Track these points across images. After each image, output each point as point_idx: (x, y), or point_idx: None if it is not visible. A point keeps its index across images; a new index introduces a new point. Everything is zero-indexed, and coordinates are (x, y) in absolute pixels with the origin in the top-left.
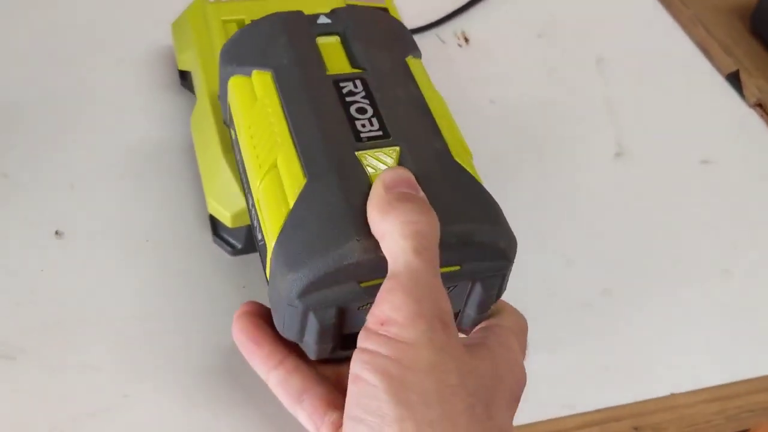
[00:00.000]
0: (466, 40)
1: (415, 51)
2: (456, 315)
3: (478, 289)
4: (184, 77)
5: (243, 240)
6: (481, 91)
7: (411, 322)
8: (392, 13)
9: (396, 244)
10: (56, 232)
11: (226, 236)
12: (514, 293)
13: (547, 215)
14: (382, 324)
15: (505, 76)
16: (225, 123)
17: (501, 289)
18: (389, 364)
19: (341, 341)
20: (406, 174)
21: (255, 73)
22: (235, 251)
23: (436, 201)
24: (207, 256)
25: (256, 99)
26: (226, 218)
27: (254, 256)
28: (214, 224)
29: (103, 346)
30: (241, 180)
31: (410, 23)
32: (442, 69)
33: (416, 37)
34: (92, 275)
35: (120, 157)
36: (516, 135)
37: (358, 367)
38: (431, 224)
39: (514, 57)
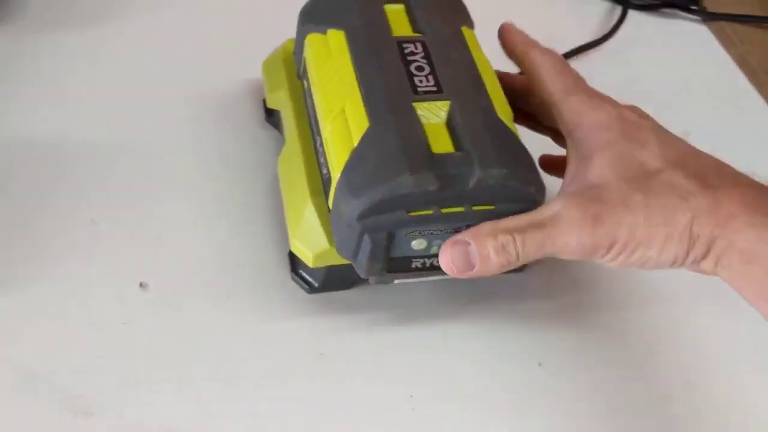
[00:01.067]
0: None
1: (469, 22)
2: None
3: None
4: (271, 114)
5: (321, 279)
6: None
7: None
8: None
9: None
10: (140, 284)
11: (304, 274)
12: None
13: None
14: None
15: None
16: (298, 76)
17: None
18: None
19: (388, 264)
20: None
21: (330, 31)
22: (312, 290)
23: (478, 148)
24: (285, 293)
25: (329, 54)
26: (308, 258)
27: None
28: (293, 262)
29: (186, 405)
30: (310, 123)
31: None
32: None
33: None
34: (175, 330)
35: (205, 199)
36: None
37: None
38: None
39: None
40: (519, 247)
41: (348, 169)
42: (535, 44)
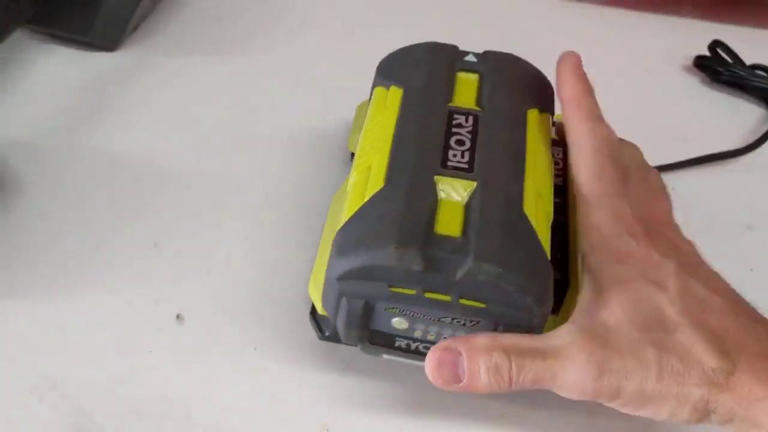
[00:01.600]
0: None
1: (545, 105)
2: None
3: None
4: (353, 157)
5: (331, 328)
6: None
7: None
8: None
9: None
10: (178, 316)
11: (318, 319)
12: None
13: None
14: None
15: None
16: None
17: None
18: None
19: (370, 335)
20: None
21: (392, 88)
22: (323, 336)
23: (482, 237)
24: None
25: (384, 109)
26: (317, 304)
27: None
28: (314, 304)
29: None
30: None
31: None
32: None
33: None
34: (195, 371)
35: (266, 238)
36: None
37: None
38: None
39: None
40: (514, 372)
41: (346, 226)
42: (588, 109)
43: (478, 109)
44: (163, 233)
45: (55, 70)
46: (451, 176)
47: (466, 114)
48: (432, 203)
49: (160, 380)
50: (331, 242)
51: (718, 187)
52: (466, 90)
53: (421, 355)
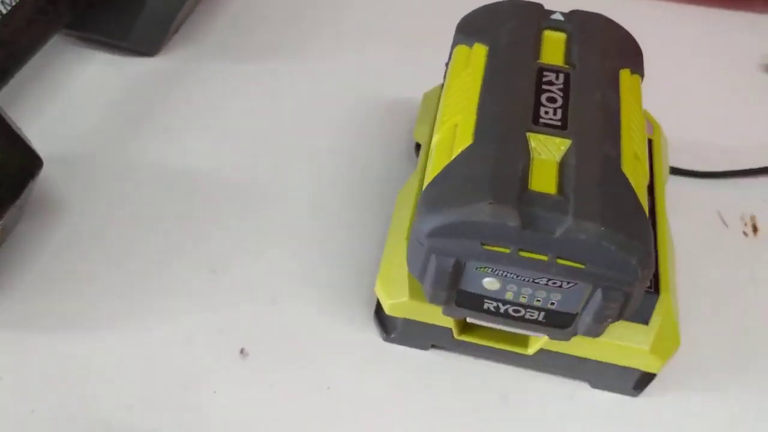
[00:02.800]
0: (755, 229)
1: (636, 67)
2: (572, 316)
3: (598, 296)
4: (419, 148)
5: (398, 329)
6: (762, 302)
7: None
8: (658, 143)
9: None
10: (241, 351)
11: (384, 319)
12: None
13: None
14: None
15: None
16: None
17: (624, 307)
18: None
19: (457, 296)
20: None
21: (476, 45)
22: (388, 337)
23: (582, 195)
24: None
25: (467, 67)
26: (385, 304)
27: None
28: (378, 305)
29: None
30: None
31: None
32: (716, 258)
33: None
34: (268, 406)
35: (326, 250)
36: None
37: None
38: None
39: None
40: None
41: (434, 183)
42: None
43: (568, 67)
44: (219, 256)
45: (96, 77)
46: (544, 133)
47: (557, 71)
48: (525, 160)
49: (225, 425)
50: (398, 239)
51: None
52: (553, 48)
53: (510, 318)
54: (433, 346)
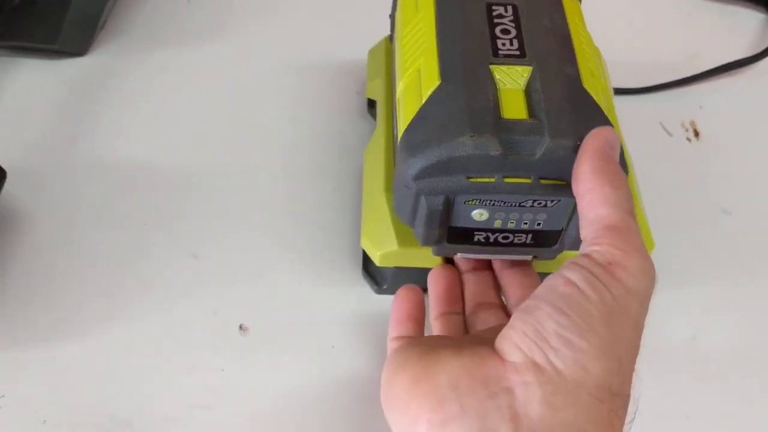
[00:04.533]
0: (696, 133)
1: None
2: (558, 233)
3: None
4: (372, 105)
5: (389, 280)
6: (713, 198)
7: (640, 275)
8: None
9: (609, 200)
10: (240, 327)
11: (373, 273)
12: None
13: None
14: (609, 264)
15: (743, 180)
16: (390, 39)
17: None
18: (608, 296)
19: (448, 233)
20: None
21: None
22: (380, 290)
23: (553, 116)
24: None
25: (417, 12)
26: (375, 256)
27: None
28: (365, 259)
29: None
30: (393, 86)
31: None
32: (666, 166)
33: (632, 112)
34: (275, 382)
35: (302, 219)
36: (757, 253)
37: (576, 276)
38: (631, 195)
39: (757, 156)
40: None
41: (411, 127)
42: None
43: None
44: (197, 241)
45: (29, 85)
46: (506, 63)
47: (504, 4)
48: (493, 92)
49: (240, 399)
50: (373, 197)
51: (738, 96)
52: None
53: (499, 246)
54: (424, 290)
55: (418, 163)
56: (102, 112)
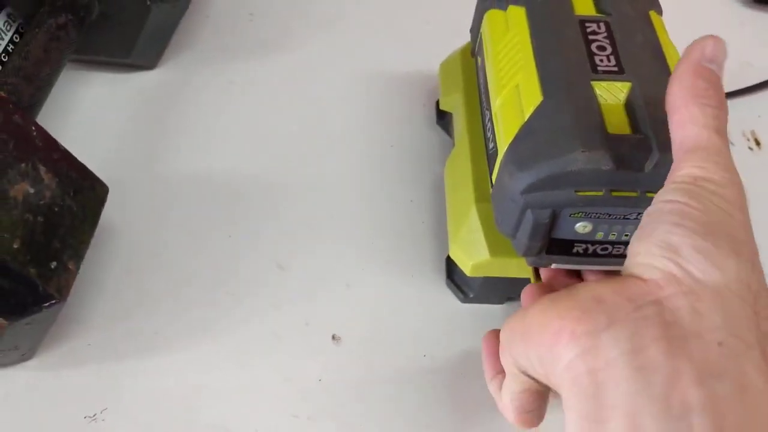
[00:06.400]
0: (758, 142)
1: (658, 7)
2: None
3: None
4: (442, 117)
5: (476, 289)
6: None
7: (729, 185)
8: None
9: (695, 120)
10: (333, 336)
11: (459, 283)
12: None
13: None
14: (695, 179)
15: None
16: (472, 53)
17: None
18: (709, 204)
19: (548, 244)
20: (725, 50)
21: (511, 8)
22: (466, 299)
23: (657, 132)
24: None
25: (507, 29)
26: (466, 266)
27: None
28: (450, 268)
29: None
30: (480, 100)
31: None
32: None
33: None
34: (370, 389)
35: (382, 229)
36: None
37: (672, 195)
38: (725, 111)
39: None
40: None
41: (516, 142)
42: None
43: (603, 15)
44: (281, 252)
45: (102, 98)
46: (605, 80)
47: (596, 21)
48: (596, 107)
49: (337, 408)
50: (461, 207)
51: None
52: (582, 1)
53: (597, 257)
54: (509, 299)
55: (526, 178)
56: (177, 125)
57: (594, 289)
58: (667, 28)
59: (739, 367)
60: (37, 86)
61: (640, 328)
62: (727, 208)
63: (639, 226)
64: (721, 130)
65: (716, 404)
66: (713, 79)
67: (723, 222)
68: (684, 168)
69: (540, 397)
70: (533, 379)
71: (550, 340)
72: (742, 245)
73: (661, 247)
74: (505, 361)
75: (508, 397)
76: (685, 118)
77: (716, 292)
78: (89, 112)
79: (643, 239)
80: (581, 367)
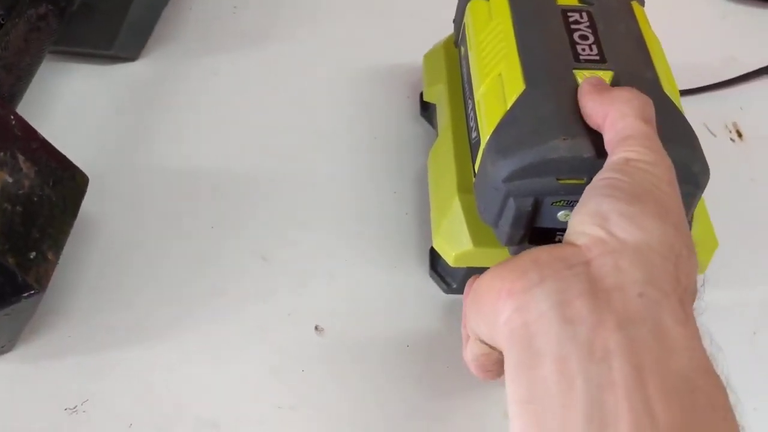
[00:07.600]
0: (740, 134)
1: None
2: None
3: None
4: (426, 108)
5: (459, 280)
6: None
7: (657, 162)
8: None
9: (624, 116)
10: (316, 327)
11: (443, 273)
12: None
13: None
14: (627, 161)
15: None
16: (455, 44)
17: (688, 212)
18: (638, 177)
19: (531, 233)
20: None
21: None
22: (449, 289)
23: None
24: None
25: (490, 19)
26: (449, 257)
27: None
28: (433, 259)
29: None
30: (463, 90)
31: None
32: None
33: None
34: (352, 382)
35: (366, 221)
36: None
37: (605, 173)
38: (649, 103)
39: None
40: None
41: (499, 131)
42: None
43: (585, 5)
44: (264, 243)
45: (84, 90)
46: (587, 68)
47: (579, 11)
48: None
49: (322, 398)
50: (444, 198)
51: None
52: None
53: None
54: None
55: (508, 166)
56: (159, 116)
57: (533, 252)
58: (649, 20)
59: (657, 313)
60: (17, 76)
61: (569, 284)
62: (655, 182)
63: (578, 202)
64: (647, 118)
65: (634, 346)
66: (608, 87)
67: (649, 191)
68: (618, 153)
69: (497, 359)
70: (486, 344)
71: (493, 300)
72: (668, 210)
73: (591, 216)
74: (465, 329)
75: (470, 358)
76: (615, 116)
77: (638, 249)
78: (71, 104)
79: (578, 211)
80: (517, 321)
